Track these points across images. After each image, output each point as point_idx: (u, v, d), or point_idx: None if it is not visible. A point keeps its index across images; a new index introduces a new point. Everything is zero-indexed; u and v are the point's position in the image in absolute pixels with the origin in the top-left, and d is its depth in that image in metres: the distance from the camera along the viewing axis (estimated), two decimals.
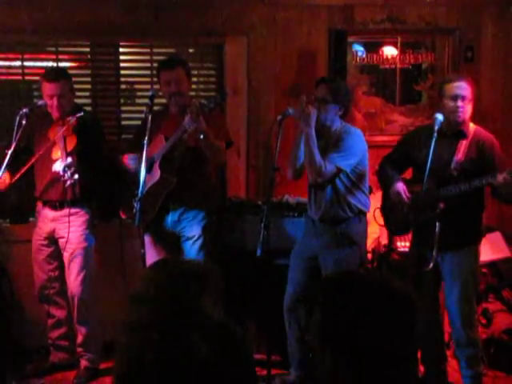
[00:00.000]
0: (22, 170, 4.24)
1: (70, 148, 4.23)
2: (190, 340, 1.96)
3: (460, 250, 4.06)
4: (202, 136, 4.04)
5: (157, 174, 4.21)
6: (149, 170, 3.94)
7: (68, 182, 4.11)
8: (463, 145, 4.00)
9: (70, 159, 4.11)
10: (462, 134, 4.02)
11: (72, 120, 4.29)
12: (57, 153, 4.27)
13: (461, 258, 4.07)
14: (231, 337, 2.10)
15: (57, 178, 4.34)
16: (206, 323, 2.05)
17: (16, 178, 4.27)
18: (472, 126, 4.05)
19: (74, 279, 4.48)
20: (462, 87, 3.94)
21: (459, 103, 3.93)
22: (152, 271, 2.20)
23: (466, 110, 3.96)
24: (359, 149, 4.14)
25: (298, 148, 4.13)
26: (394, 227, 4.33)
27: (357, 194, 4.18)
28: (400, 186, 4.12)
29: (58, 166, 4.18)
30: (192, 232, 4.39)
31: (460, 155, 3.99)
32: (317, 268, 4.20)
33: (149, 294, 2.07)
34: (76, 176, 4.07)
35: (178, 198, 4.34)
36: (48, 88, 4.35)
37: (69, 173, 4.07)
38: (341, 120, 4.18)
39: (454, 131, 4.03)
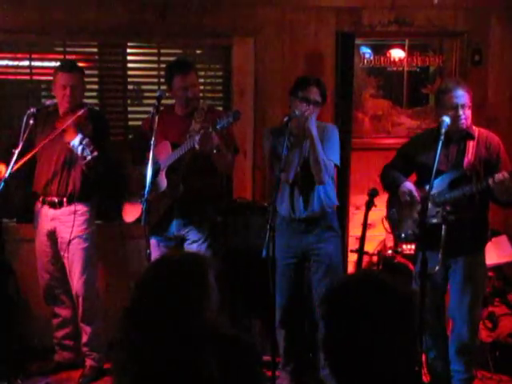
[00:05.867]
0: (21, 162, 4.18)
1: (86, 131, 4.24)
2: (200, 354, 1.96)
3: (472, 254, 4.06)
4: (215, 151, 4.02)
5: (163, 183, 4.20)
6: (155, 175, 3.90)
7: (88, 158, 4.08)
8: (471, 146, 4.01)
9: (87, 139, 4.10)
10: (470, 136, 4.03)
11: (82, 111, 4.30)
12: (71, 135, 4.20)
13: (474, 262, 4.06)
14: (241, 350, 2.09)
15: (57, 173, 4.38)
16: (216, 335, 2.04)
17: (14, 169, 4.19)
18: (475, 128, 4.07)
19: (77, 279, 4.49)
20: (461, 95, 3.93)
21: (460, 112, 3.94)
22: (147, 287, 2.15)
23: (468, 116, 3.98)
24: (339, 143, 4.26)
25: (297, 151, 4.12)
26: (404, 234, 4.23)
27: (333, 187, 4.28)
28: (410, 185, 4.11)
29: (76, 142, 4.12)
30: (197, 235, 4.36)
31: (470, 156, 4.00)
32: (302, 268, 4.27)
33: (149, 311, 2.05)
34: (95, 153, 4.06)
35: (183, 206, 4.31)
36: (63, 78, 4.36)
37: (88, 150, 4.06)
38: None
39: (460, 135, 4.04)
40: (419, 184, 4.15)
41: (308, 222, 4.21)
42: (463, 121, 3.96)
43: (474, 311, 4.10)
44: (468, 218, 3.96)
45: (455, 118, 3.94)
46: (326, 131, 4.19)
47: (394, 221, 4.29)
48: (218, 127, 3.88)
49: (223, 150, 4.12)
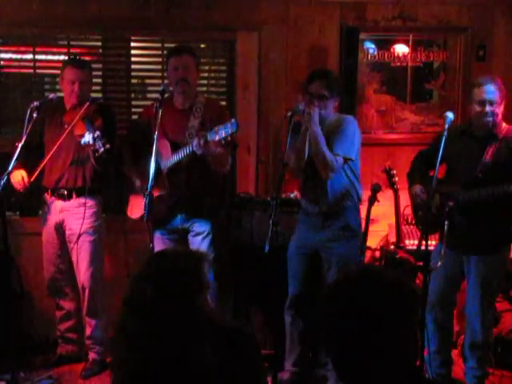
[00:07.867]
0: (39, 169, 4.27)
1: (97, 124, 4.25)
2: (199, 345, 1.96)
3: (489, 253, 4.03)
4: (212, 156, 4.07)
5: (164, 185, 4.22)
6: (156, 175, 3.89)
7: (101, 151, 4.07)
8: (492, 147, 3.94)
9: (98, 132, 4.11)
10: (493, 137, 3.96)
11: (87, 105, 4.32)
12: (80, 129, 4.23)
13: (491, 261, 4.03)
14: (241, 341, 2.09)
15: (67, 167, 4.40)
16: (216, 327, 2.04)
17: (34, 177, 4.29)
18: (504, 127, 3.99)
19: (84, 272, 4.49)
20: (490, 91, 3.87)
21: (487, 108, 3.87)
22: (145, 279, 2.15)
23: (496, 113, 3.90)
24: (358, 136, 4.15)
25: (302, 148, 4.08)
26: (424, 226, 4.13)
27: (354, 183, 4.19)
28: (418, 188, 4.08)
29: (87, 138, 4.10)
30: (201, 228, 4.39)
31: (488, 157, 3.93)
32: (316, 263, 4.21)
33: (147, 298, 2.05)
34: (108, 146, 4.06)
35: (187, 202, 4.34)
36: (72, 73, 4.38)
37: (100, 143, 4.06)
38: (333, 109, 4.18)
39: (484, 134, 3.98)
40: (445, 180, 4.08)
41: (324, 217, 4.16)
42: (489, 118, 3.89)
43: (488, 309, 4.11)
44: (483, 218, 3.92)
45: (481, 114, 3.89)
46: (342, 124, 4.11)
47: (417, 213, 4.26)
48: (216, 139, 3.85)
49: (222, 153, 4.10)
